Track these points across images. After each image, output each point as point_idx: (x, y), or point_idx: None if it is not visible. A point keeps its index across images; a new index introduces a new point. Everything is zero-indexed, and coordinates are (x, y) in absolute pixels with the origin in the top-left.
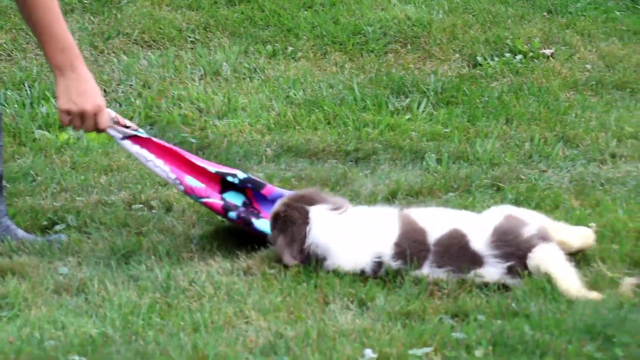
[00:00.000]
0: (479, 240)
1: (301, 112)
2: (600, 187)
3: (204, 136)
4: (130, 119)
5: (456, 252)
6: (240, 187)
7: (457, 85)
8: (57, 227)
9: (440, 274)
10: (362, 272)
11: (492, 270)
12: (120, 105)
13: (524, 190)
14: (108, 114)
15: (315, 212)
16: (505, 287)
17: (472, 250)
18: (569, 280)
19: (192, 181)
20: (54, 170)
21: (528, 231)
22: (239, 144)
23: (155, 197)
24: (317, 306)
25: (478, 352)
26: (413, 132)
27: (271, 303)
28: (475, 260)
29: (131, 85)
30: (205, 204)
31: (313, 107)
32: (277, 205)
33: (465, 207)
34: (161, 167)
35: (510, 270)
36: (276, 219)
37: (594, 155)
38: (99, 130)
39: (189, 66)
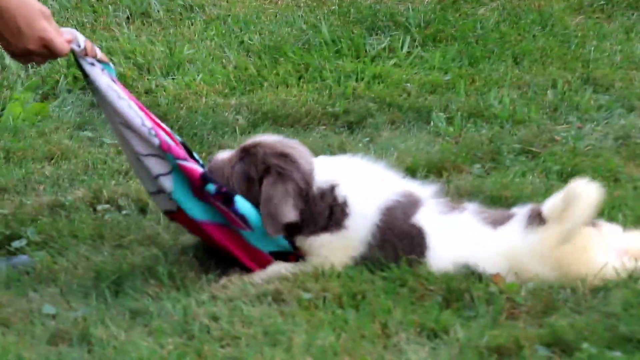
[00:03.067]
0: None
1: (264, 63)
2: None
3: (154, 102)
4: (57, 83)
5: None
6: None
7: (442, 17)
8: (16, 244)
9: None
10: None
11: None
12: (37, 66)
13: (565, 156)
14: (72, 37)
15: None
16: (593, 291)
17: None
18: None
19: (167, 138)
20: None
21: None
22: (202, 113)
23: (121, 194)
24: (379, 342)
25: None
26: (408, 84)
27: (325, 344)
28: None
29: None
30: (182, 168)
31: (276, 54)
32: (267, 158)
33: (505, 187)
34: (135, 110)
35: None
36: (267, 171)
37: (631, 101)
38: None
39: (110, 6)
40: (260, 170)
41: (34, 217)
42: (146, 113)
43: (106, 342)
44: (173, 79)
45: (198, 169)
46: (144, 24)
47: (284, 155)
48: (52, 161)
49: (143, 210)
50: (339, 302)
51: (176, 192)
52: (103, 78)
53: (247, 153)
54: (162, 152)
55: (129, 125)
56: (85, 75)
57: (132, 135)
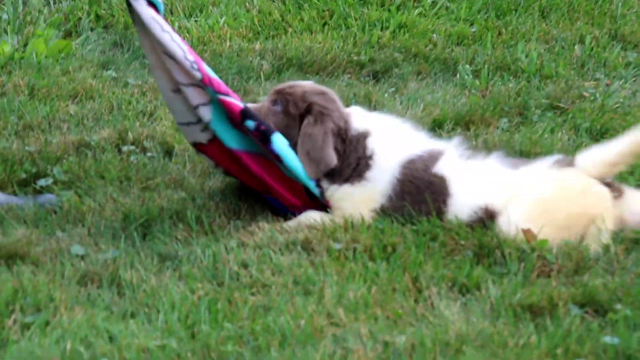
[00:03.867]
0: None
1: (288, 8)
2: None
3: None
4: (79, 20)
5: None
6: None
7: None
8: (42, 182)
9: None
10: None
11: None
12: (59, 2)
13: (594, 113)
14: None
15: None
16: (625, 252)
17: None
18: None
19: (210, 71)
20: (9, 98)
21: None
22: (226, 56)
23: (146, 135)
24: (410, 295)
25: None
26: (434, 35)
27: (357, 296)
28: None
29: None
30: (222, 103)
31: (300, 0)
32: (308, 96)
33: (534, 143)
34: (179, 43)
35: None
36: (308, 109)
37: None
38: None
39: None
40: (301, 108)
41: (59, 155)
42: (189, 49)
43: (136, 286)
44: (196, 21)
45: (238, 104)
46: None
47: (323, 93)
48: (76, 100)
49: (168, 153)
50: (369, 254)
51: (214, 122)
52: (146, 10)
53: (283, 94)
54: (204, 85)
55: (171, 56)
56: (129, 5)
57: (174, 64)
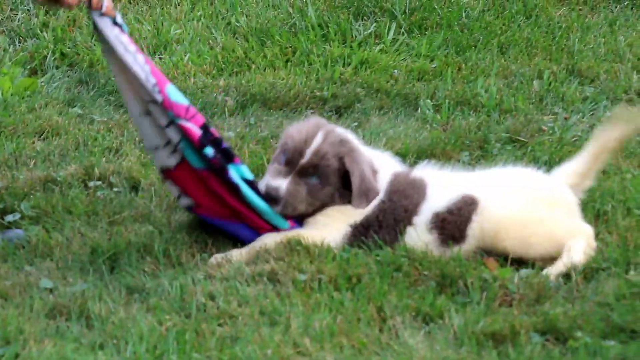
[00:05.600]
0: None
1: (251, 45)
2: None
3: None
4: (44, 58)
5: None
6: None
7: (427, 4)
8: (9, 218)
9: None
10: None
11: None
12: (24, 40)
13: (552, 146)
14: None
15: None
16: (585, 280)
17: None
18: None
19: (173, 93)
20: None
21: None
22: (190, 92)
23: (112, 171)
24: (375, 325)
25: None
26: (395, 71)
27: (322, 325)
28: None
29: (29, 10)
30: (182, 128)
31: (263, 38)
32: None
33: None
34: (141, 64)
35: None
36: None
37: (616, 93)
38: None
39: None
40: (339, 164)
41: (27, 191)
42: (152, 68)
43: (105, 318)
44: (160, 58)
45: (197, 132)
46: (130, 3)
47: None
48: (43, 137)
49: (135, 188)
50: (334, 284)
51: (183, 142)
52: (112, 30)
53: (317, 165)
54: (164, 109)
55: (135, 77)
56: (95, 26)
57: (141, 85)
